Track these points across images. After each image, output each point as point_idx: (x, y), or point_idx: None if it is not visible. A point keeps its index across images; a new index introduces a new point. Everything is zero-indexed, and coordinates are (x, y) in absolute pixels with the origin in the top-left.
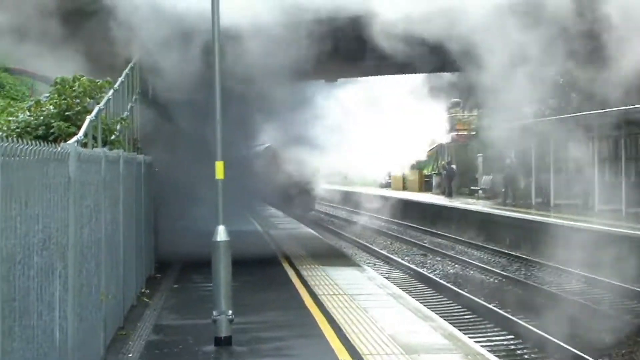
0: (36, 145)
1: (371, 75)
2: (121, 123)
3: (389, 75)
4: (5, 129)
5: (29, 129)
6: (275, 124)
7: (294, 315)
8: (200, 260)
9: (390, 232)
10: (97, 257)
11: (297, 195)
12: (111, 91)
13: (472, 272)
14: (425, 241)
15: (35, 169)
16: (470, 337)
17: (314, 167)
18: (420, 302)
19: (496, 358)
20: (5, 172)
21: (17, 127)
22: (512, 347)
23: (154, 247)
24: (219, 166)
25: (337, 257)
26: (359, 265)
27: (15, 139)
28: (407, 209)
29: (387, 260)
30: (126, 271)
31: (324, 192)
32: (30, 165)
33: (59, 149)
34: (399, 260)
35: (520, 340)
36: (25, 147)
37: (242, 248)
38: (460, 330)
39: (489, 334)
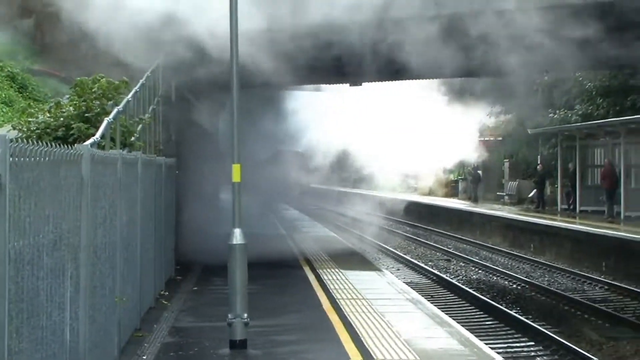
0: (51, 146)
1: (397, 79)
2: (142, 123)
3: (416, 80)
4: (25, 129)
5: (48, 130)
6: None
7: (311, 319)
8: (222, 263)
9: (414, 237)
10: (111, 259)
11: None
12: (131, 93)
13: (495, 278)
14: (449, 246)
15: (46, 170)
16: (489, 343)
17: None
18: (442, 308)
19: None
20: (14, 173)
21: (37, 128)
22: (532, 353)
23: (174, 250)
24: (236, 169)
25: (358, 261)
26: (379, 270)
27: (34, 140)
28: (433, 214)
29: (411, 265)
30: (143, 273)
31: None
32: (41, 166)
33: (71, 150)
34: (422, 265)
35: (541, 347)
36: (35, 148)
37: (264, 251)
38: (480, 336)
39: (509, 340)
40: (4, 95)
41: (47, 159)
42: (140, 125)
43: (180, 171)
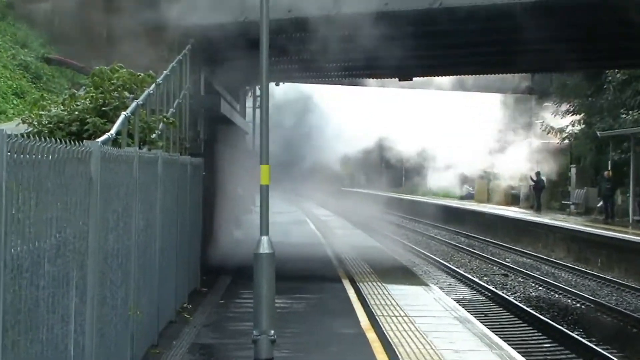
0: (63, 142)
1: (450, 74)
2: (163, 122)
3: (470, 75)
4: (35, 124)
5: (61, 124)
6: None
7: (346, 337)
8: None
9: (469, 249)
10: (124, 267)
11: None
12: (153, 85)
13: (557, 296)
14: (507, 260)
15: (50, 168)
16: None
17: None
18: (495, 328)
19: None
20: (13, 171)
21: (49, 122)
22: None
23: (201, 258)
24: (264, 170)
25: (403, 275)
26: (426, 284)
27: (45, 136)
28: (490, 223)
29: (463, 280)
30: (163, 283)
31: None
32: (43, 164)
33: (79, 147)
34: (476, 280)
35: None
36: (38, 144)
37: (299, 260)
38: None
39: None
40: (15, 86)
41: (51, 156)
42: (161, 122)
43: (209, 172)
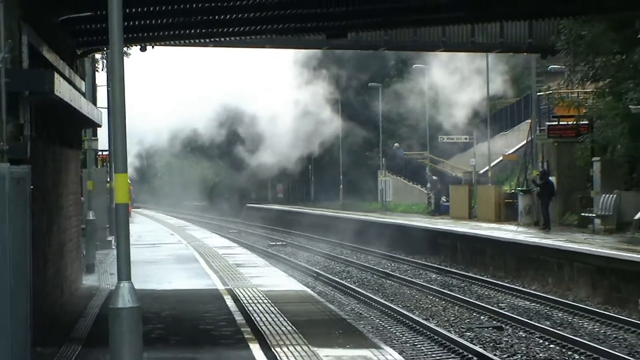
0: None
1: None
2: None
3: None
4: None
5: None
6: None
7: None
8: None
9: (444, 290)
10: None
11: None
12: None
13: (577, 357)
14: (502, 305)
15: None
16: None
17: None
18: None
19: None
20: None
21: None
22: None
23: (32, 321)
24: (121, 181)
25: (342, 332)
26: (376, 346)
27: None
28: (476, 252)
29: (435, 338)
30: None
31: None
32: None
33: None
34: (455, 337)
35: None
36: None
37: (184, 318)
38: None
39: None
40: None
41: None
42: None
43: (39, 189)
